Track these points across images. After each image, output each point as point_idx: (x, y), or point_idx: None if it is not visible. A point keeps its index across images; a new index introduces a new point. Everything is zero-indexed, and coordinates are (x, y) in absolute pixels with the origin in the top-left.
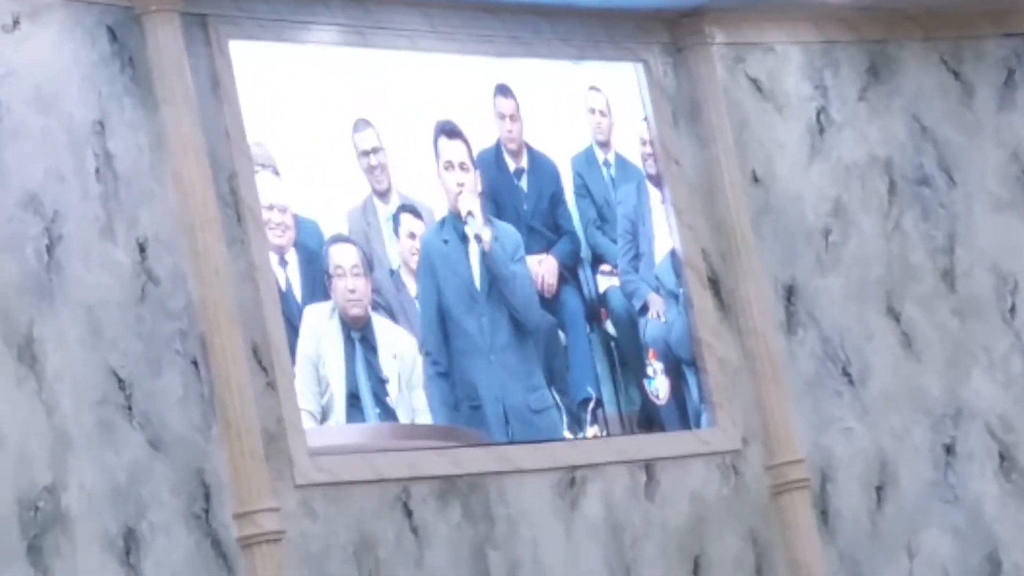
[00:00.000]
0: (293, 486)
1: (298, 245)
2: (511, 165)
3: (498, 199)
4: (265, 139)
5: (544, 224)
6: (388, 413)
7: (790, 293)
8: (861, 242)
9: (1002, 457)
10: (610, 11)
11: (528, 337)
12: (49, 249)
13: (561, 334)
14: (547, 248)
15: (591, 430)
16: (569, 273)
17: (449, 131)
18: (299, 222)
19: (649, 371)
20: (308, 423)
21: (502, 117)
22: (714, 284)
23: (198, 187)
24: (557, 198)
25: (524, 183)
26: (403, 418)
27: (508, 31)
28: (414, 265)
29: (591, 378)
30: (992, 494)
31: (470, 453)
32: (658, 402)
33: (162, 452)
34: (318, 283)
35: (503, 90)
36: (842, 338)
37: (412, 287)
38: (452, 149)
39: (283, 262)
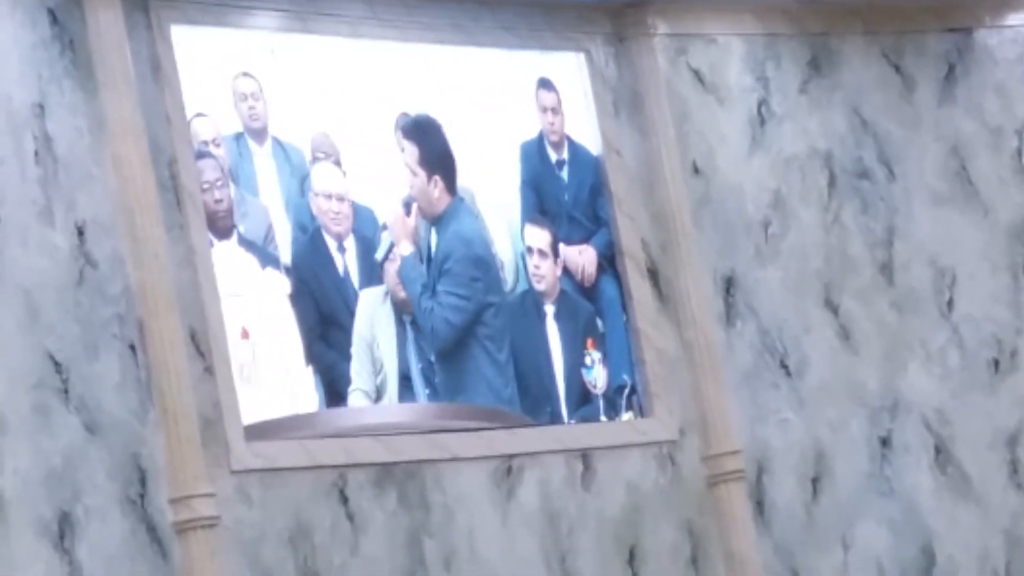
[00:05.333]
0: (229, 472)
1: (356, 232)
2: (553, 156)
3: (540, 190)
4: (329, 129)
5: (584, 215)
6: (437, 394)
7: (729, 284)
8: (800, 234)
9: (938, 450)
10: (553, 0)
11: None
12: None
13: (599, 321)
14: (587, 238)
15: (626, 416)
16: (607, 263)
17: (406, 129)
18: (356, 209)
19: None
20: (360, 401)
21: (544, 110)
22: (653, 275)
23: (137, 171)
24: (596, 189)
25: (565, 174)
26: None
27: (450, 19)
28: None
29: (627, 365)
30: (927, 487)
31: (407, 440)
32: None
33: (98, 436)
34: (373, 268)
35: (545, 83)
36: (780, 330)
37: None
38: (410, 150)
39: (341, 248)
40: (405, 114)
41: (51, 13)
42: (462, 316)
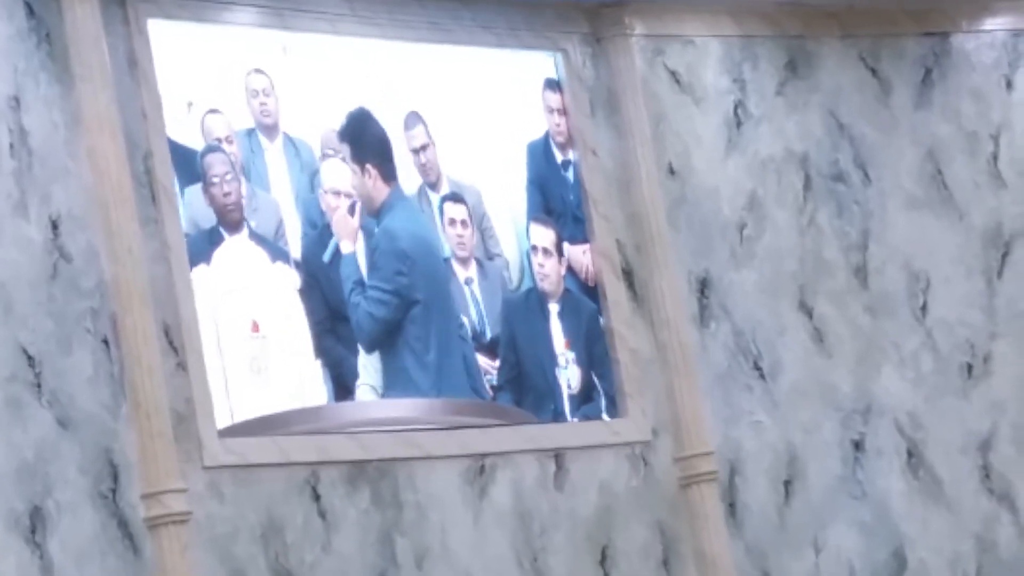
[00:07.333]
0: (201, 467)
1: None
2: (559, 157)
3: (545, 189)
4: (337, 126)
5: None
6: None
7: (703, 286)
8: (775, 237)
9: (910, 454)
10: (531, 0)
11: None
12: None
13: (602, 320)
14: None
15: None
16: None
17: (340, 131)
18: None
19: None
20: (368, 395)
21: (551, 111)
22: (628, 275)
23: (113, 165)
24: None
25: (571, 174)
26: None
27: (429, 17)
28: (460, 252)
29: None
30: (899, 491)
31: (379, 438)
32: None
33: (70, 431)
34: None
35: (552, 84)
36: (754, 332)
37: (460, 275)
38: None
39: None
40: (414, 113)
41: (28, 6)
42: (385, 310)
